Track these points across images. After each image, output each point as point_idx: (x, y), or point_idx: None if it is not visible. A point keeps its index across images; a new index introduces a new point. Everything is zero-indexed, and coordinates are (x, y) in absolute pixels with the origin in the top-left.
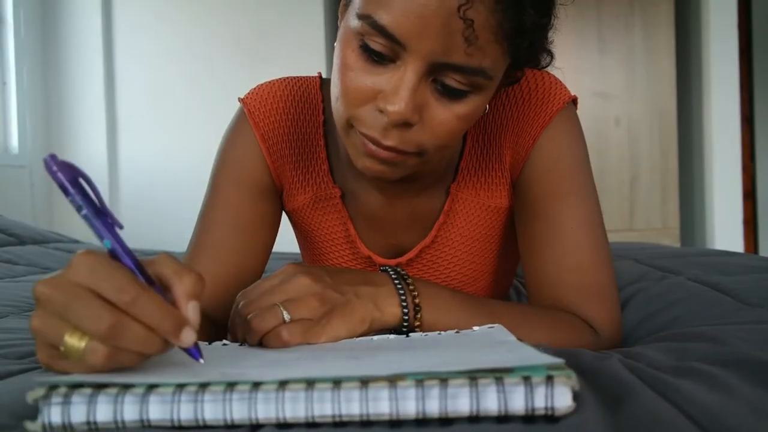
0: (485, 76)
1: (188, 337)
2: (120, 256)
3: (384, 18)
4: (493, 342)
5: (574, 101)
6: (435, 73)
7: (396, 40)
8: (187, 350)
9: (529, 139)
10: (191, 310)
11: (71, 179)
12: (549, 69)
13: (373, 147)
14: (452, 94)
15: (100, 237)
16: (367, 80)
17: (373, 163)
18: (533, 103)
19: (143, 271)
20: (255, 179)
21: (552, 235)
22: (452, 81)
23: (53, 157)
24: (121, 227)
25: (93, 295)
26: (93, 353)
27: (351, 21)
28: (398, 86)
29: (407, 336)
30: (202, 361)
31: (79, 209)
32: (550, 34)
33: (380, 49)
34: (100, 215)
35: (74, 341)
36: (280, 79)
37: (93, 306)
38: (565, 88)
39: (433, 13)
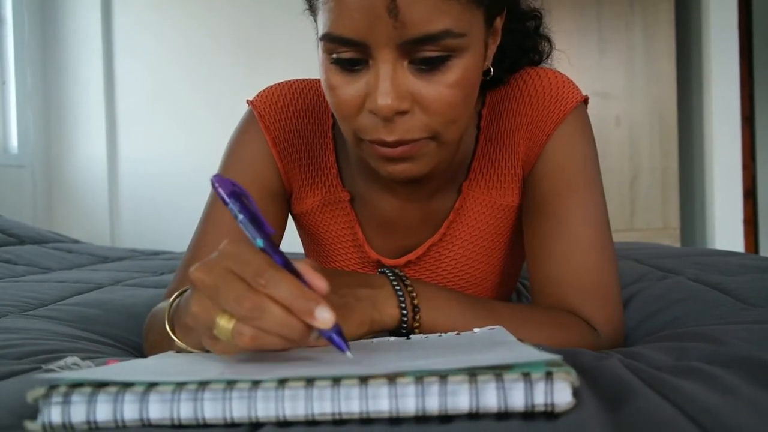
0: (453, 35)
1: (323, 315)
2: (270, 253)
3: (336, 28)
4: (493, 343)
5: (585, 101)
6: (407, 56)
7: (355, 41)
8: (330, 339)
9: (542, 135)
10: (318, 279)
11: (229, 193)
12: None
13: (383, 149)
14: (432, 66)
15: (254, 238)
16: (351, 91)
17: (393, 165)
18: (548, 101)
19: (290, 265)
20: (265, 183)
21: (559, 233)
22: (425, 53)
23: (217, 176)
24: (272, 233)
25: (238, 278)
26: (239, 335)
27: (319, 48)
28: (377, 82)
29: (407, 338)
30: (349, 354)
31: (236, 217)
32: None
33: (349, 55)
34: (254, 222)
35: (224, 322)
36: (288, 81)
37: (237, 288)
38: (578, 88)
39: (369, 1)
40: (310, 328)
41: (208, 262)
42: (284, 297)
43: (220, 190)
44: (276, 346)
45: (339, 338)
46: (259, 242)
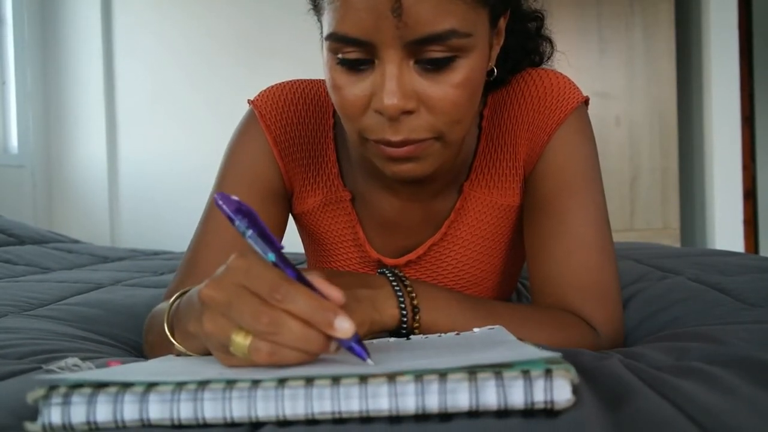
0: (459, 35)
1: (343, 324)
2: (282, 267)
3: (342, 28)
4: (493, 342)
5: (586, 102)
6: (413, 55)
7: (361, 41)
8: (351, 349)
9: (544, 135)
10: (333, 290)
11: (234, 210)
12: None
13: (388, 149)
14: (438, 66)
15: (264, 253)
16: (356, 90)
17: (398, 165)
18: (549, 101)
19: (303, 278)
20: (266, 183)
21: (559, 233)
22: (431, 53)
23: (220, 194)
24: (282, 248)
25: (251, 294)
26: (256, 351)
27: (324, 48)
28: (383, 81)
29: (407, 339)
30: (370, 361)
31: (243, 234)
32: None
33: (355, 56)
34: (262, 237)
35: (240, 339)
36: (289, 81)
37: (252, 304)
38: (579, 89)
39: (375, 1)
40: (329, 339)
41: (217, 278)
42: (303, 310)
43: (225, 208)
44: (293, 360)
45: (359, 346)
46: (271, 256)
